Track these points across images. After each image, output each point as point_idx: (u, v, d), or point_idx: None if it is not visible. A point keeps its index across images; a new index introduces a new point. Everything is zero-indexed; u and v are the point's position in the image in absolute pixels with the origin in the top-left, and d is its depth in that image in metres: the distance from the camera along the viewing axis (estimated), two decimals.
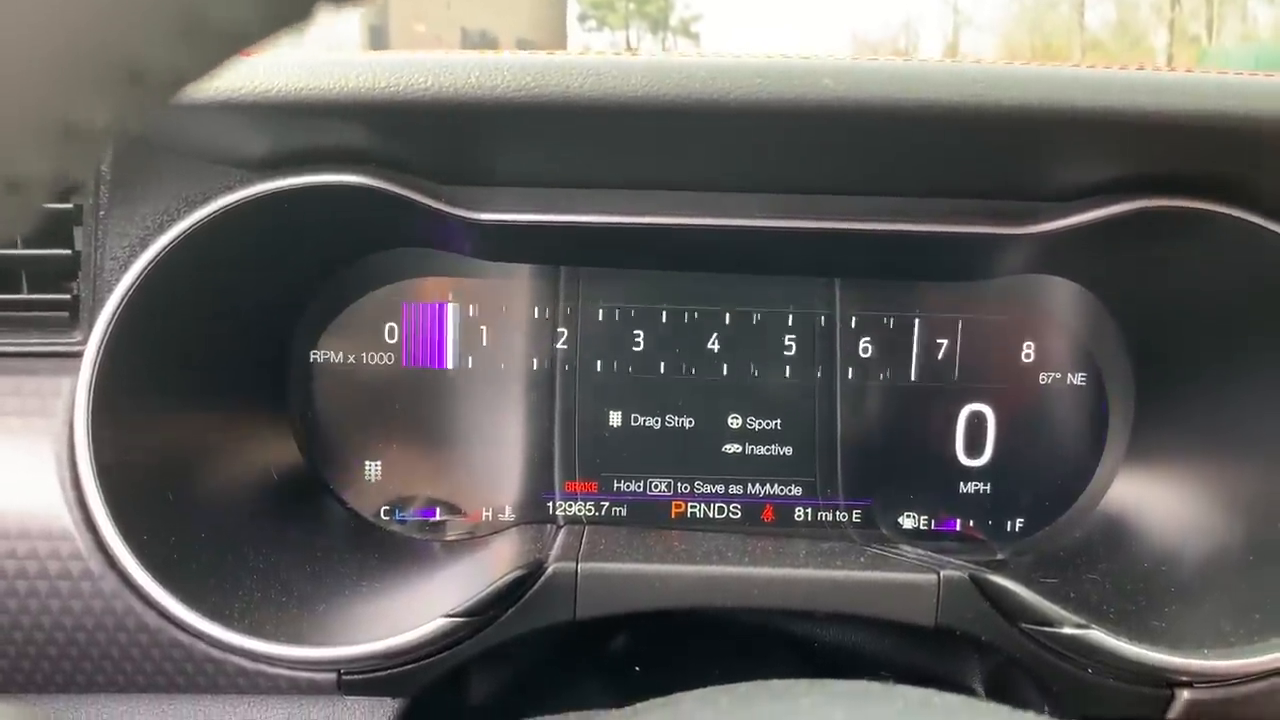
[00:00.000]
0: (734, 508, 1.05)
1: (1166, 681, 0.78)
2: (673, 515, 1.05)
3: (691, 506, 1.05)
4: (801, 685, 0.49)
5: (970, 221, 0.85)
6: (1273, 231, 0.82)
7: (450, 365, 1.01)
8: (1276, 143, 0.75)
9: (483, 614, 0.78)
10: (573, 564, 0.81)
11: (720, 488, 1.04)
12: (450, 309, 1.00)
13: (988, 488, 1.05)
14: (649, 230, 0.87)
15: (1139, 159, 0.79)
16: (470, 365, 1.01)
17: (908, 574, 0.82)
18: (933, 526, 1.05)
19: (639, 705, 0.51)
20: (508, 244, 0.93)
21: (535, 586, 0.80)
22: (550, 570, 0.81)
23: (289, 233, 0.87)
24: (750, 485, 1.04)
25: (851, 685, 0.48)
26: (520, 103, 0.72)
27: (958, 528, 1.06)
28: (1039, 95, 0.72)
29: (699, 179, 0.86)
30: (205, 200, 0.80)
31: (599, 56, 0.73)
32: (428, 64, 0.72)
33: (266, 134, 0.78)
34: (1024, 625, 0.79)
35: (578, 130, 0.77)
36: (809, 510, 1.05)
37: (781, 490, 1.05)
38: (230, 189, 0.81)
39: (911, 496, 1.05)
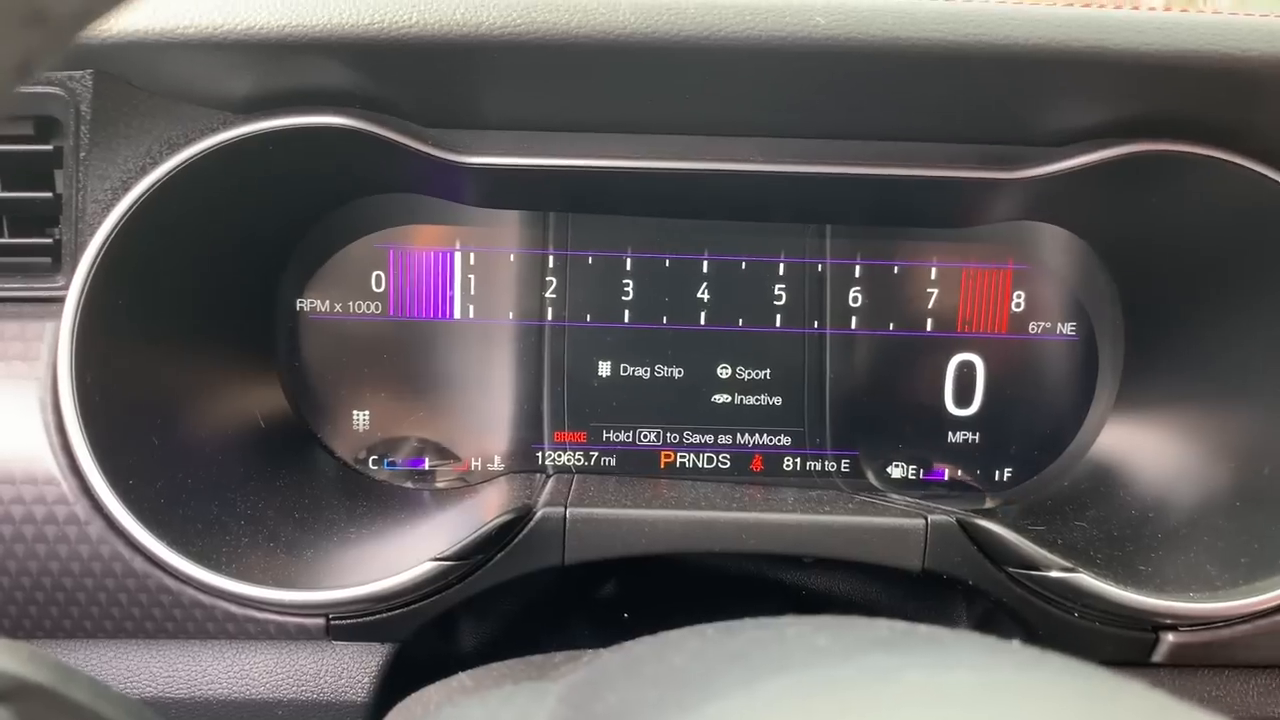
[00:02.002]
0: (723, 457, 1.05)
1: (1152, 624, 0.79)
2: (662, 465, 1.04)
3: (681, 456, 1.05)
4: (787, 619, 0.49)
5: (961, 166, 0.84)
6: (1264, 175, 0.81)
7: (438, 315, 1.00)
8: (1269, 85, 0.74)
9: (470, 558, 0.77)
10: (561, 509, 0.81)
11: (709, 437, 1.04)
12: (438, 258, 0.99)
13: (976, 437, 1.05)
14: (639, 175, 0.86)
15: (1132, 102, 0.78)
16: (459, 315, 1.00)
17: (895, 519, 0.82)
18: (921, 476, 1.06)
19: (627, 643, 0.51)
20: (496, 189, 0.92)
21: (524, 531, 0.80)
22: (539, 515, 0.81)
23: (273, 176, 0.86)
24: (739, 435, 1.04)
25: (837, 618, 0.48)
26: (506, 38, 0.71)
27: (946, 477, 1.06)
28: (1034, 34, 0.71)
29: (690, 122, 0.85)
30: (187, 142, 0.79)
31: None
32: (404, 0, 0.70)
33: (248, 73, 0.77)
34: (1010, 569, 0.79)
35: (566, 68, 0.75)
36: (797, 459, 1.05)
37: (770, 440, 1.05)
38: (212, 131, 0.79)
39: (900, 446, 1.05)
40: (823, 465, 1.05)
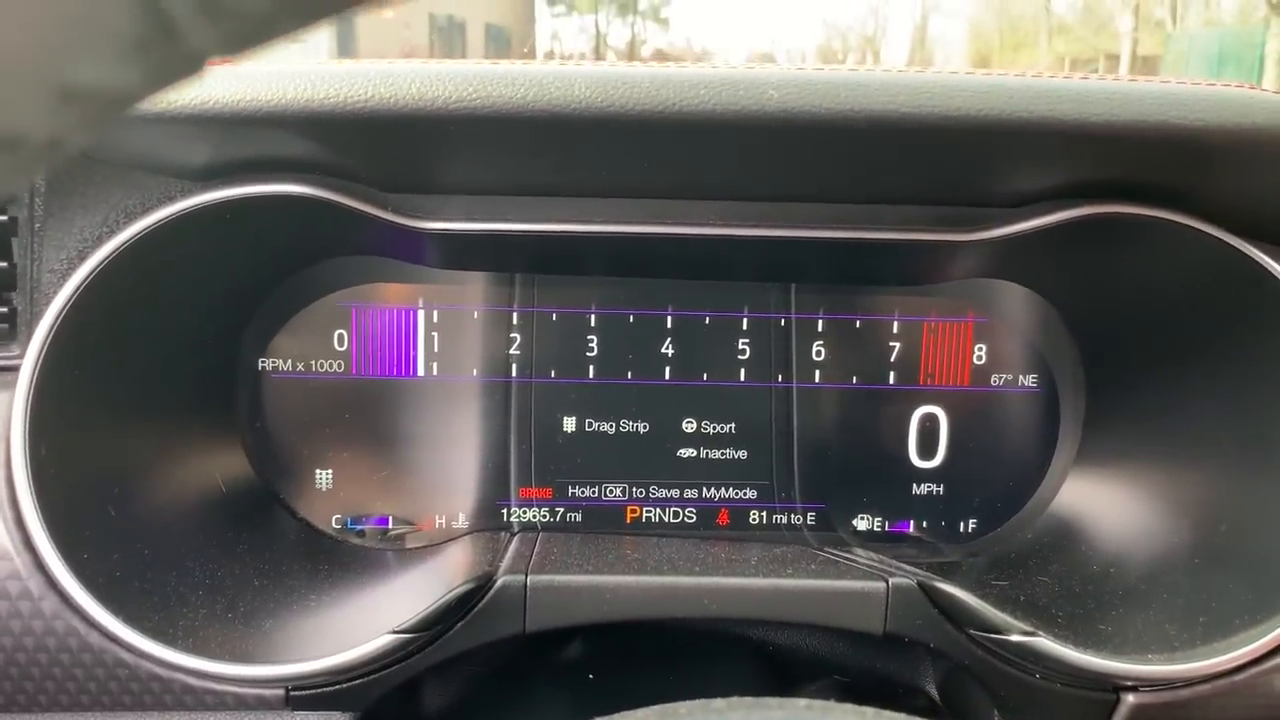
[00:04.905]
0: (689, 512, 1.05)
1: (1112, 686, 0.79)
2: (628, 520, 1.04)
3: (647, 511, 1.05)
4: (730, 703, 0.49)
5: (920, 229, 0.85)
6: (1215, 237, 0.82)
7: (402, 373, 1.00)
8: (1214, 151, 0.75)
9: (430, 629, 0.77)
10: (522, 576, 0.81)
11: (675, 492, 1.04)
12: (401, 315, 0.99)
13: (941, 489, 1.05)
14: (599, 238, 0.86)
15: (1084, 167, 0.80)
16: (422, 373, 1.00)
17: (857, 581, 0.82)
18: (887, 528, 1.06)
19: None
20: (457, 252, 0.92)
21: (484, 600, 0.80)
22: (499, 583, 0.80)
23: (232, 242, 0.85)
24: (705, 489, 1.04)
25: (783, 702, 0.48)
26: (460, 114, 0.71)
27: (912, 529, 1.06)
28: (984, 105, 0.72)
29: (649, 187, 0.86)
30: (145, 211, 0.79)
31: (542, 66, 0.72)
32: (367, 74, 0.71)
33: (205, 145, 0.77)
34: (971, 632, 0.80)
35: (523, 140, 0.76)
36: (764, 513, 1.05)
37: (736, 494, 1.05)
38: (170, 200, 0.79)
39: (865, 499, 1.06)
40: (789, 518, 1.05)
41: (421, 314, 0.99)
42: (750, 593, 0.83)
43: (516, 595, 0.80)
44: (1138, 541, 0.92)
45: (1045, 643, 0.77)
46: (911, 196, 0.86)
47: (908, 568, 0.88)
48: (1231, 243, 0.82)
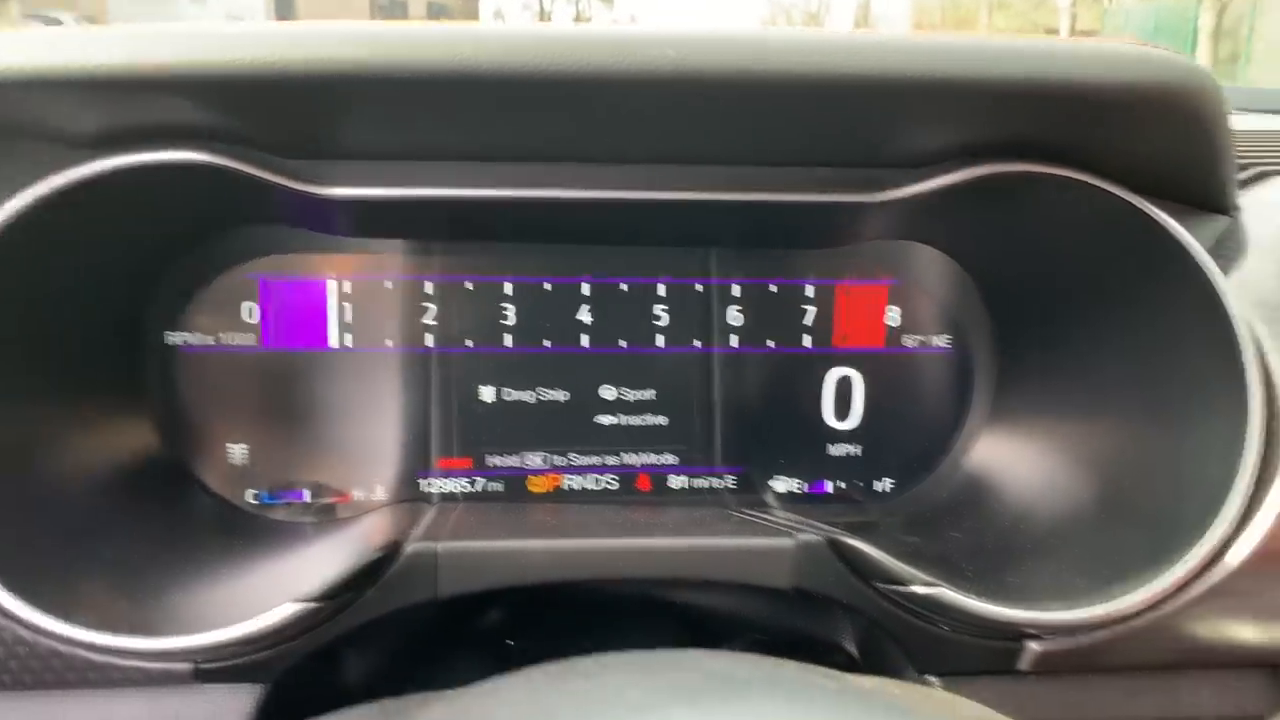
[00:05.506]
0: (611, 479, 1.05)
1: (1015, 634, 0.81)
2: (550, 489, 1.04)
3: (569, 479, 1.05)
4: (625, 658, 0.50)
5: (823, 190, 0.85)
6: (1113, 194, 0.84)
7: (314, 344, 0.99)
8: (1108, 108, 0.77)
9: (337, 598, 0.76)
10: (433, 543, 0.81)
11: (596, 459, 1.04)
12: (311, 287, 0.98)
13: (857, 450, 1.07)
14: (504, 204, 0.86)
15: (980, 126, 0.80)
16: (336, 344, 0.99)
17: (766, 539, 0.83)
18: (806, 490, 1.07)
19: (461, 690, 0.51)
20: (365, 219, 0.91)
21: (394, 567, 0.79)
22: (410, 550, 0.80)
23: (129, 213, 0.84)
24: (625, 456, 1.05)
25: (667, 656, 0.48)
26: (361, 74, 0.70)
27: (830, 490, 1.07)
28: (881, 64, 0.73)
29: (552, 150, 0.85)
30: (31, 182, 0.77)
31: (436, 26, 0.71)
32: (252, 36, 0.69)
33: (93, 111, 0.75)
34: (878, 585, 0.81)
35: (423, 101, 0.75)
36: (686, 479, 1.06)
37: (657, 459, 1.05)
38: (59, 169, 0.77)
39: (784, 461, 1.07)
40: (710, 483, 1.06)
41: (333, 285, 0.98)
42: (661, 553, 0.83)
43: (428, 561, 0.80)
44: (1045, 496, 0.94)
45: (949, 594, 0.79)
46: (817, 159, 0.87)
47: (822, 526, 0.89)
48: (1129, 199, 0.84)
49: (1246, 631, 0.83)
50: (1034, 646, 0.81)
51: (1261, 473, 0.80)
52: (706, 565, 0.83)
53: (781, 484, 1.07)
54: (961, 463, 1.04)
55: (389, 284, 0.99)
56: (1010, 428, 1.02)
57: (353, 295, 0.99)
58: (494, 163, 0.85)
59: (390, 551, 0.79)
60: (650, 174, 0.86)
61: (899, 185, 0.85)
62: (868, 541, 0.82)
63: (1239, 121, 0.89)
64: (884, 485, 1.07)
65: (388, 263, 0.99)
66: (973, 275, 1.01)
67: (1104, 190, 0.84)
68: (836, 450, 1.06)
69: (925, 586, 0.79)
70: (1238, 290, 0.83)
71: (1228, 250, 0.89)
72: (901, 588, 0.80)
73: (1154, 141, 0.83)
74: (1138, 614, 0.79)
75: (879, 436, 1.06)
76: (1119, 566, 0.81)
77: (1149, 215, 0.84)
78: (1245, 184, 0.97)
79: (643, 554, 0.83)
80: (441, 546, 0.80)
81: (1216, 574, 0.80)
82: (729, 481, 1.06)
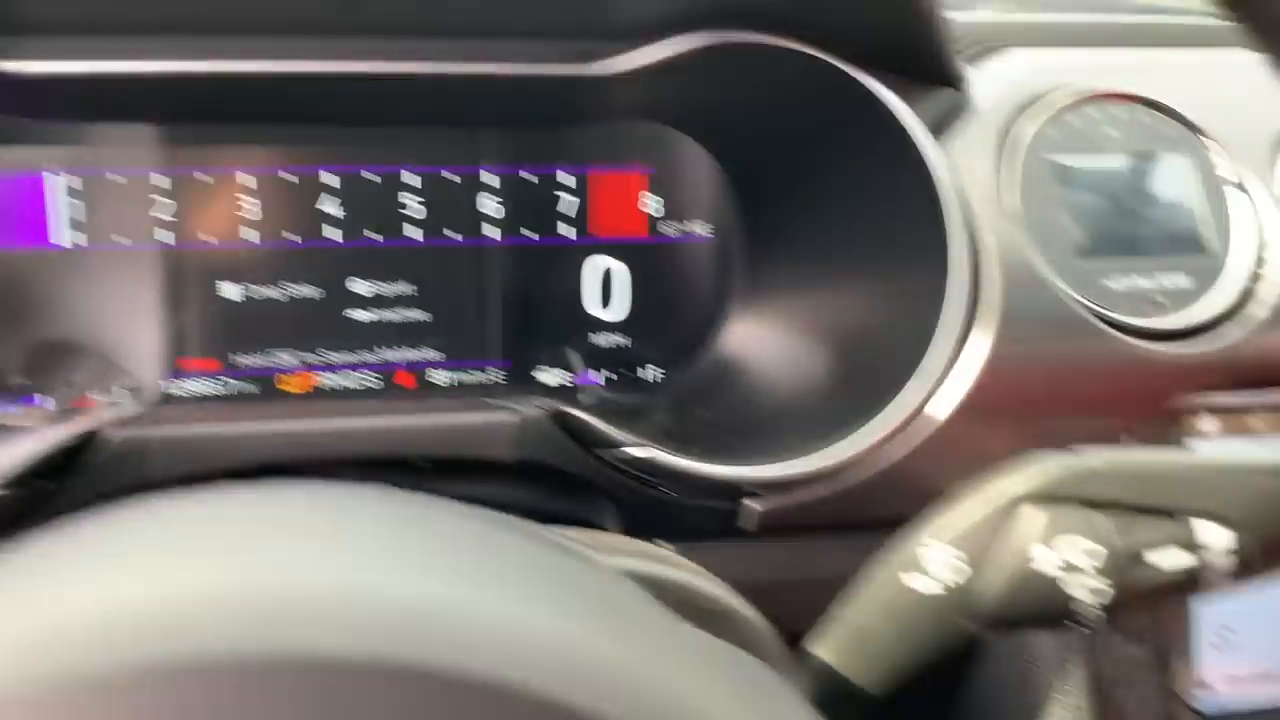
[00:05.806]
0: (372, 377, 1.03)
1: (730, 494, 0.83)
2: (307, 389, 1.02)
3: (326, 378, 1.03)
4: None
5: (537, 61, 0.84)
6: (828, 63, 0.85)
7: (37, 243, 0.94)
8: None
9: (27, 485, 0.74)
10: (142, 429, 0.78)
11: (351, 355, 1.02)
12: (28, 180, 0.93)
13: (623, 340, 1.07)
14: (222, 79, 0.83)
15: None
16: (63, 242, 0.95)
17: (490, 415, 0.83)
18: (574, 382, 1.07)
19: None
20: (72, 100, 0.87)
21: (96, 454, 0.76)
22: (115, 436, 0.77)
23: None
24: (383, 352, 1.03)
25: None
26: None
27: (602, 381, 1.08)
28: None
29: (267, 23, 0.82)
30: None
31: None
32: None
33: None
34: (597, 451, 0.82)
35: None
36: (450, 374, 1.05)
37: (419, 355, 1.04)
38: None
39: (550, 354, 1.06)
40: (477, 377, 1.05)
41: (56, 178, 0.94)
42: (386, 432, 0.82)
43: (135, 447, 0.77)
44: (785, 372, 0.96)
45: (662, 455, 0.80)
46: (539, 30, 0.86)
47: (554, 403, 0.89)
48: (844, 69, 0.85)
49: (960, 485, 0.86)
50: (753, 505, 0.83)
51: (965, 330, 0.83)
52: (432, 442, 0.83)
53: (549, 376, 1.07)
54: (719, 348, 1.05)
55: (119, 177, 0.95)
56: (762, 310, 1.03)
57: (80, 190, 0.94)
58: (210, 36, 0.82)
59: (86, 437, 0.76)
60: (367, 47, 0.83)
61: (615, 56, 0.85)
62: (589, 413, 0.83)
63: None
64: (654, 374, 1.08)
65: (113, 155, 0.94)
66: (715, 157, 1.01)
67: (821, 60, 0.85)
68: (603, 340, 1.07)
69: (639, 448, 0.80)
70: (958, 159, 0.86)
71: (949, 120, 0.91)
72: (617, 451, 0.80)
73: (866, 11, 0.84)
74: (846, 468, 0.82)
75: (643, 326, 1.06)
76: (832, 425, 0.84)
77: (862, 85, 0.85)
78: (976, 57, 0.99)
79: (369, 433, 0.82)
80: (152, 431, 0.78)
81: (923, 427, 0.82)
82: (497, 376, 1.06)
